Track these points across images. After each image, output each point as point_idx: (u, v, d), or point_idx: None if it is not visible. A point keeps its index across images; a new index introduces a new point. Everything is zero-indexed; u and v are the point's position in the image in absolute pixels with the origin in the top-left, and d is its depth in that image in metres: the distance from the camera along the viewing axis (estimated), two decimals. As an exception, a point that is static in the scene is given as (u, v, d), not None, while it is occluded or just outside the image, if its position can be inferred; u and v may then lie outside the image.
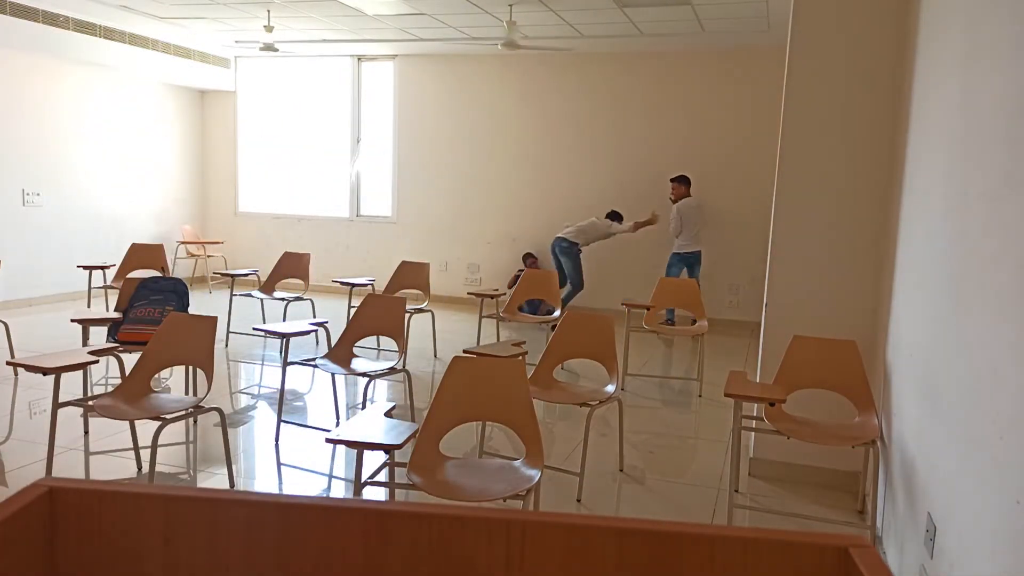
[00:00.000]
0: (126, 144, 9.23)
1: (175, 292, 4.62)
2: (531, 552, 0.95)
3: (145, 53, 8.66)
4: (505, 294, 7.34)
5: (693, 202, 7.90)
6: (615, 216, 8.32)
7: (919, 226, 2.95)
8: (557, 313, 6.00)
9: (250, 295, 6.59)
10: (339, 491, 3.72)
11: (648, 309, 5.96)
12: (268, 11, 7.36)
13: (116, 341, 4.31)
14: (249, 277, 7.16)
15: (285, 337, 4.43)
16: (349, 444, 2.66)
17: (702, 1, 6.34)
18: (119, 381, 3.70)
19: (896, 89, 3.64)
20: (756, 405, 3.79)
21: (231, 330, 6.83)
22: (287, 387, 5.37)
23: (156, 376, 3.72)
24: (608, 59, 8.77)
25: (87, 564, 1.01)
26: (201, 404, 3.42)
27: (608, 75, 8.80)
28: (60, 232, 8.42)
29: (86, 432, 4.26)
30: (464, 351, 3.85)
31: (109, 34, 8.18)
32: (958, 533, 2.08)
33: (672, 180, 8.02)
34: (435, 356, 6.46)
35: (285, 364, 4.50)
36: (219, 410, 3.50)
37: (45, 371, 3.25)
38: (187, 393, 4.66)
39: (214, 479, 3.76)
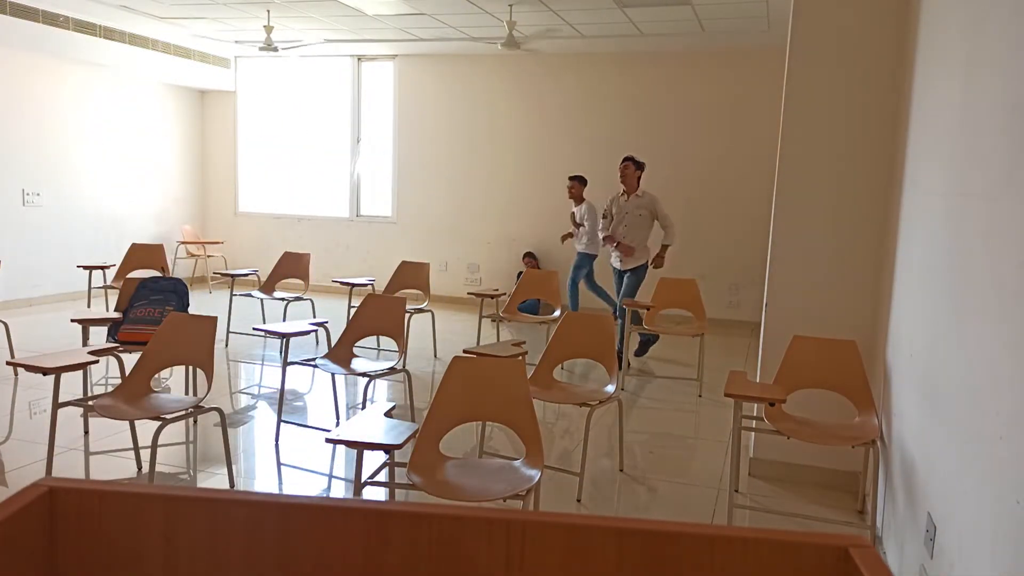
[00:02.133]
0: (126, 144, 9.23)
1: (175, 292, 4.62)
2: (531, 552, 0.95)
3: (145, 53, 8.67)
4: (505, 294, 7.33)
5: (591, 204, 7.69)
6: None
7: (919, 226, 2.95)
8: (557, 314, 6.00)
9: (250, 295, 6.59)
10: (339, 491, 3.72)
11: (648, 309, 5.96)
12: (268, 11, 7.36)
13: (116, 341, 4.31)
14: (249, 277, 7.16)
15: (285, 337, 4.43)
16: (349, 444, 2.66)
17: (702, 1, 6.34)
18: (119, 381, 3.70)
19: (896, 89, 3.64)
20: (756, 405, 3.79)
21: (231, 330, 6.83)
22: (287, 387, 5.37)
23: (156, 376, 3.72)
24: (608, 59, 8.77)
25: (87, 564, 1.01)
26: (201, 404, 3.42)
27: (608, 75, 8.80)
28: (60, 232, 8.41)
29: (86, 432, 4.26)
30: (464, 351, 3.85)
31: (109, 34, 8.19)
32: (958, 533, 2.08)
33: (573, 178, 7.71)
34: (435, 356, 6.46)
35: (285, 364, 4.50)
36: (219, 410, 3.50)
37: (45, 371, 3.26)
38: (187, 393, 4.65)
39: (214, 479, 3.76)
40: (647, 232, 6.38)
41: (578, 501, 3.62)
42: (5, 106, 7.73)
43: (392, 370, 4.27)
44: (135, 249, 6.88)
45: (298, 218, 10.12)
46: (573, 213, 7.75)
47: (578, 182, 7.67)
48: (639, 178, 6.34)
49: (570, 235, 7.76)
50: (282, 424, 4.52)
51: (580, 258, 7.60)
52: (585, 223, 7.58)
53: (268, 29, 7.86)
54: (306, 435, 4.43)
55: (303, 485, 3.75)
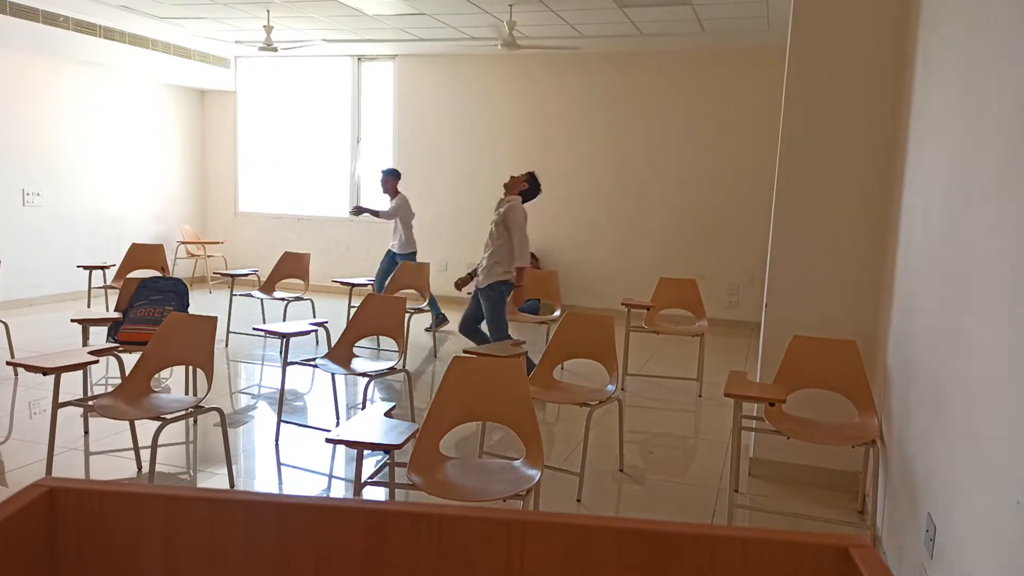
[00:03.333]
0: (126, 144, 9.23)
1: (175, 292, 4.62)
2: (531, 552, 0.95)
3: (145, 53, 8.67)
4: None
5: (405, 198, 7.49)
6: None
7: (919, 225, 2.95)
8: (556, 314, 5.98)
9: (250, 295, 6.59)
10: (339, 491, 3.72)
11: (648, 309, 5.96)
12: (268, 11, 7.36)
13: (116, 341, 4.31)
14: (249, 277, 7.16)
15: (285, 337, 4.43)
16: (349, 444, 2.66)
17: (702, 1, 6.34)
18: (119, 381, 3.70)
19: (896, 88, 3.64)
20: (756, 405, 3.79)
21: (231, 330, 6.83)
22: (287, 387, 5.37)
23: (156, 376, 3.72)
24: (608, 59, 8.77)
25: (87, 564, 1.01)
26: (201, 404, 3.42)
27: (608, 75, 8.80)
28: (60, 232, 8.41)
29: (86, 432, 4.26)
30: (464, 351, 3.85)
31: (109, 34, 8.18)
32: (958, 533, 2.08)
33: (385, 172, 7.51)
34: (435, 356, 6.46)
35: (285, 364, 4.50)
36: (219, 410, 3.50)
37: (45, 371, 3.26)
38: (187, 393, 4.65)
39: (214, 479, 3.76)
40: (503, 246, 5.28)
41: (578, 501, 3.62)
42: (5, 106, 7.73)
43: (392, 370, 4.27)
44: (135, 249, 6.88)
45: (298, 218, 10.12)
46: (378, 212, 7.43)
47: (390, 175, 7.47)
48: (522, 191, 5.38)
49: (361, 210, 7.45)
50: (282, 424, 4.52)
51: (393, 257, 7.38)
52: (385, 214, 7.33)
53: (268, 29, 7.86)
54: (306, 435, 4.43)
55: (303, 485, 3.75)
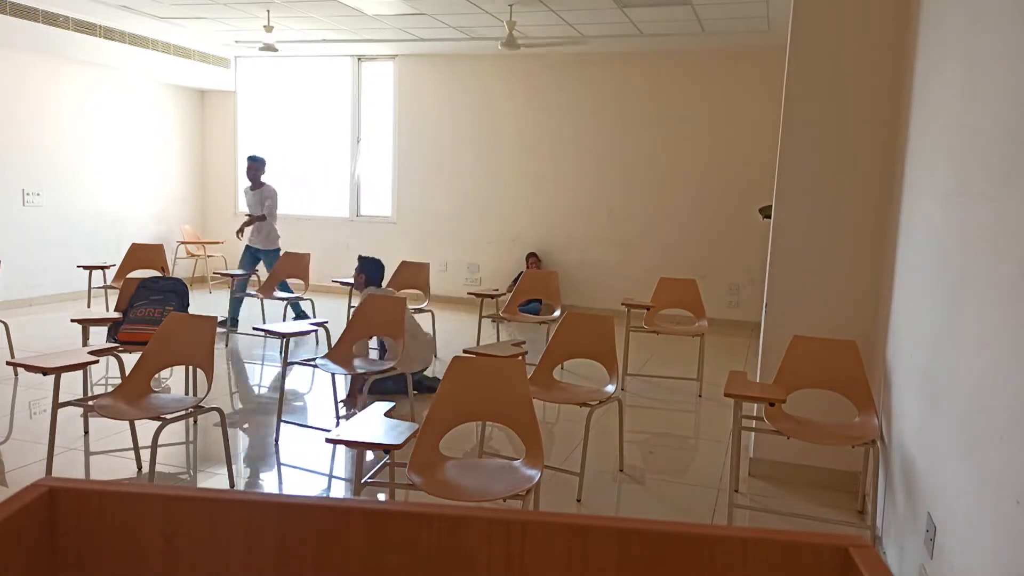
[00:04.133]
0: (126, 144, 9.23)
1: (175, 292, 4.62)
2: (531, 552, 0.95)
3: (145, 53, 8.67)
4: (505, 294, 7.33)
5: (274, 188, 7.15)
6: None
7: (919, 226, 2.95)
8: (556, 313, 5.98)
9: (250, 295, 6.58)
10: (339, 491, 3.72)
11: (648, 309, 5.96)
12: (268, 11, 7.36)
13: (116, 341, 4.31)
14: (249, 277, 7.16)
15: (285, 337, 4.43)
16: (349, 444, 2.66)
17: (702, 1, 6.34)
18: (119, 381, 3.70)
19: (896, 88, 3.64)
20: (756, 405, 3.79)
21: (231, 330, 6.82)
22: (287, 387, 5.36)
23: (156, 376, 3.72)
24: (608, 59, 8.77)
25: (87, 564, 1.01)
26: (201, 404, 3.42)
27: (608, 75, 8.80)
28: (60, 232, 8.41)
29: (86, 432, 4.26)
30: (464, 351, 3.85)
31: (109, 34, 8.18)
32: (958, 533, 2.08)
33: (250, 159, 7.14)
34: (435, 356, 6.45)
35: (285, 364, 4.50)
36: (219, 410, 3.50)
37: (45, 371, 3.26)
38: (187, 393, 4.65)
39: (214, 479, 3.76)
40: None
41: (578, 501, 3.62)
42: (5, 106, 7.73)
43: (392, 370, 4.27)
44: (135, 249, 6.88)
45: (298, 218, 10.11)
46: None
47: (255, 162, 7.09)
48: (367, 283, 5.31)
49: (249, 223, 7.13)
50: (282, 424, 4.52)
51: (255, 254, 7.09)
52: (267, 214, 7.04)
53: (268, 29, 7.86)
54: (306, 435, 4.43)
55: (303, 485, 3.75)
